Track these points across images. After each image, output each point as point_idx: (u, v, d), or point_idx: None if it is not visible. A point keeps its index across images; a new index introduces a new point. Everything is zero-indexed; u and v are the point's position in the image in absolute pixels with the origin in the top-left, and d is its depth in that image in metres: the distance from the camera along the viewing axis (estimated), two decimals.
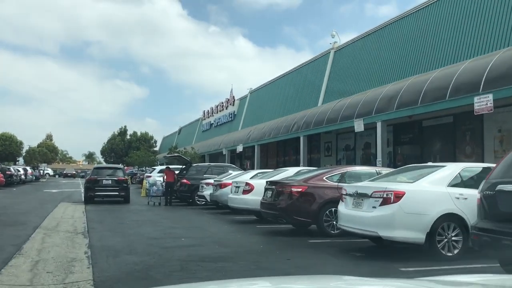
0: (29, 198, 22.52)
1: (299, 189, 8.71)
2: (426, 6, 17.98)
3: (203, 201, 17.70)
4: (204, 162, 37.59)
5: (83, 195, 21.71)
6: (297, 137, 23.73)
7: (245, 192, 11.21)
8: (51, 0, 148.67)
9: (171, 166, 29.87)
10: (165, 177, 18.96)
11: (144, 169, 42.88)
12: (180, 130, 63.80)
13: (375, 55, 20.88)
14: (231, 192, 12.30)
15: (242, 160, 36.94)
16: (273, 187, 9.26)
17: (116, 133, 76.95)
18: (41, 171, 63.98)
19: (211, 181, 16.15)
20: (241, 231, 10.48)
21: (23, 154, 59.58)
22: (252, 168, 26.68)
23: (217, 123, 44.04)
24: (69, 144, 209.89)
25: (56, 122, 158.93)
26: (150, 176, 28.30)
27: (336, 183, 8.93)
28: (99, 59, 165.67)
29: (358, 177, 9.04)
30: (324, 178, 8.97)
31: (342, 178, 9.08)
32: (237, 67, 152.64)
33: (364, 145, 21.87)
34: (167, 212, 16.18)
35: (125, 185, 19.44)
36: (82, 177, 61.14)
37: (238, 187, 11.76)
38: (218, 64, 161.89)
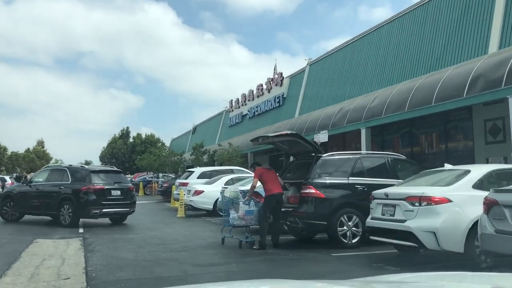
0: None
1: None
2: None
3: (357, 236, 7.38)
4: (249, 163, 27.22)
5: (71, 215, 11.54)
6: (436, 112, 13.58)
7: None
8: (42, 11, 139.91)
9: (204, 169, 19.45)
10: (254, 186, 8.49)
11: (165, 174, 32.28)
12: (195, 128, 53.56)
13: None
14: None
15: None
16: None
17: (117, 135, 66.30)
18: None
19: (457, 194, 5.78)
20: None
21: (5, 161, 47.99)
22: None
23: (253, 113, 33.65)
24: (65, 155, 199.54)
25: (51, 133, 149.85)
26: (185, 184, 17.97)
27: None
28: (93, 69, 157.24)
29: None
30: None
31: None
32: (233, 74, 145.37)
33: None
34: None
35: (134, 197, 14.05)
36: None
37: None
38: (214, 71, 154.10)
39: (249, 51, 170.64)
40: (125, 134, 65.85)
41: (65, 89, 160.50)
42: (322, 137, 18.81)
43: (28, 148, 58.37)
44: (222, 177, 16.23)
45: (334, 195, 8.06)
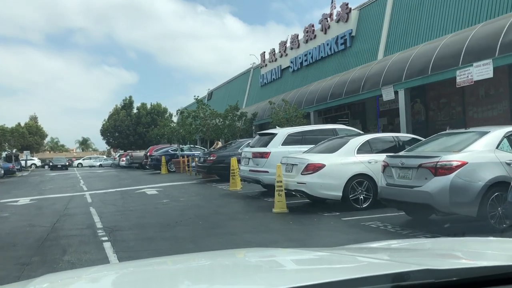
0: None
1: None
2: None
3: None
4: (312, 124, 20.20)
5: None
6: None
7: None
8: None
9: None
10: None
11: (192, 146, 25.21)
12: (211, 93, 46.28)
13: None
14: None
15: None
16: None
17: (119, 106, 58.78)
18: (23, 162, 46.15)
19: None
20: None
21: None
22: None
23: (299, 63, 26.29)
24: (60, 134, 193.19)
25: (45, 112, 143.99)
26: (264, 154, 11.02)
27: None
28: (85, 46, 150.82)
29: None
30: None
31: None
32: (227, 46, 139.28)
33: None
34: None
35: None
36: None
37: None
38: (208, 44, 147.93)
39: (243, 23, 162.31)
40: (127, 104, 58.30)
41: (57, 67, 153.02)
42: (479, 71, 11.61)
43: (19, 123, 50.88)
44: (350, 139, 9.12)
45: None
